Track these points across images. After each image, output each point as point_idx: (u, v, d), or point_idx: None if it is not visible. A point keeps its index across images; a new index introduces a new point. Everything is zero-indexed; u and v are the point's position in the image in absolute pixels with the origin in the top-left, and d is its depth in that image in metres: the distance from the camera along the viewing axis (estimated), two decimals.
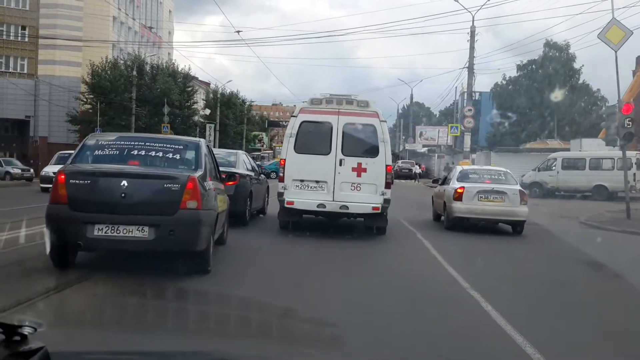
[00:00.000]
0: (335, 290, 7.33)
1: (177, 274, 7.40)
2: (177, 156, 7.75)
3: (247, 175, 14.10)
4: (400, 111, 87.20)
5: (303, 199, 11.76)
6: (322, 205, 11.73)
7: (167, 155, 7.71)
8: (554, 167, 30.94)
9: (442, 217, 15.27)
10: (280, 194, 11.82)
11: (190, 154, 7.87)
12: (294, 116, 12.07)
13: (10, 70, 48.93)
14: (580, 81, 60.02)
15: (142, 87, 48.08)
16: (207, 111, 59.87)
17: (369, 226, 12.24)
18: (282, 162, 11.94)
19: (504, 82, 62.46)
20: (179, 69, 55.09)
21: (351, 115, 11.88)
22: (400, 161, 62.89)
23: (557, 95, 54.31)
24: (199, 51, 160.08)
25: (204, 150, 8.10)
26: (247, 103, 73.94)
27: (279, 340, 4.91)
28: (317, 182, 11.83)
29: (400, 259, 10.28)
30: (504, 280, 8.78)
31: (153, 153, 7.73)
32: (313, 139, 12.01)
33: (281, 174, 11.89)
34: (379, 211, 11.73)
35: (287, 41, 60.74)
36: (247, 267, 8.76)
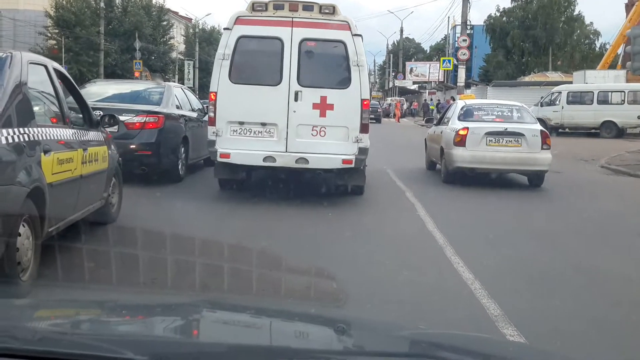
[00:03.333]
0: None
1: None
2: None
3: (179, 115, 10.73)
4: (390, 47, 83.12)
5: (243, 150, 8.36)
6: (270, 158, 8.33)
7: None
8: (558, 102, 28.52)
9: (438, 166, 11.95)
10: (211, 143, 8.42)
11: None
12: (227, 29, 8.48)
13: None
14: (576, 12, 57.97)
15: (111, 21, 44.63)
16: (182, 46, 56.50)
17: (341, 184, 8.92)
18: (212, 97, 8.45)
19: (498, 14, 60.08)
20: (154, 1, 51.28)
21: (311, 27, 8.36)
22: (389, 99, 59.86)
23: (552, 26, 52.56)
24: None
25: (11, 72, 4.65)
26: None
27: None
28: (262, 124, 8.40)
29: (381, 241, 6.95)
30: (533, 277, 5.65)
31: None
32: (256, 63, 8.58)
33: (211, 114, 8.44)
34: (352, 165, 8.37)
35: None
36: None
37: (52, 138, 5.10)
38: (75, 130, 5.77)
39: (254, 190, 8.98)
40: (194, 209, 8.22)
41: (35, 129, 4.76)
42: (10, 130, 4.36)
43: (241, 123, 8.39)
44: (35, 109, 4.98)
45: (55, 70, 5.68)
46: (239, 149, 8.35)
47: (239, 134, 8.39)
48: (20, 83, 4.71)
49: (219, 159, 8.43)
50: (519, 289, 5.20)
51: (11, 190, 4.27)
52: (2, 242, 4.09)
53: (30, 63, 5.07)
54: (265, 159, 8.33)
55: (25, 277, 4.36)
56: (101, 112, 6.82)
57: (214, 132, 8.39)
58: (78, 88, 6.36)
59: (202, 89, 44.13)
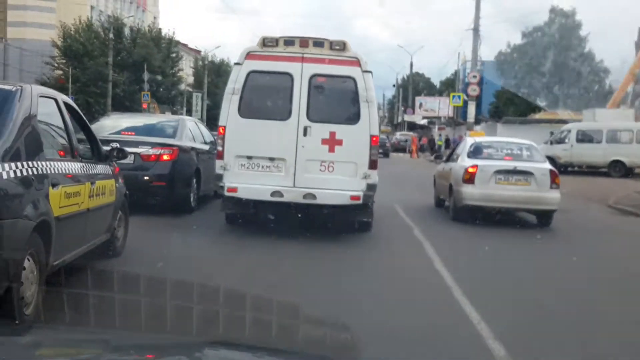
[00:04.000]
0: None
1: None
2: None
3: (192, 148, 10.83)
4: (399, 81, 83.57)
5: (251, 184, 8.29)
6: (278, 193, 8.26)
7: None
8: (567, 140, 28.38)
9: (447, 203, 11.85)
10: (219, 177, 8.36)
11: None
12: (238, 64, 8.49)
13: None
14: (586, 49, 57.79)
15: (120, 52, 44.88)
16: (191, 78, 56.84)
17: (349, 220, 8.83)
18: (220, 131, 8.42)
19: (509, 50, 60.23)
20: (163, 34, 51.65)
21: (321, 63, 8.36)
22: (398, 133, 59.84)
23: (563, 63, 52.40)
24: (189, 17, 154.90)
25: (20, 105, 4.61)
26: None
27: None
28: (271, 159, 8.36)
29: (387, 279, 6.83)
30: (540, 319, 5.52)
31: None
32: (265, 98, 8.57)
33: (220, 148, 8.40)
34: (360, 201, 8.28)
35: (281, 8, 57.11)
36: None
37: (60, 171, 5.07)
38: (83, 164, 5.74)
39: (261, 225, 8.90)
40: (202, 243, 8.14)
41: (43, 163, 4.72)
42: (18, 164, 4.33)
43: (249, 157, 8.34)
44: (44, 142, 4.95)
45: (65, 103, 5.67)
46: (247, 183, 8.29)
47: (247, 168, 8.34)
48: (29, 116, 4.70)
49: (226, 194, 8.37)
50: (526, 331, 5.10)
51: (18, 223, 4.21)
52: (6, 276, 4.00)
53: (40, 96, 5.06)
54: (272, 193, 8.26)
55: (28, 311, 4.27)
56: (118, 144, 6.82)
57: (221, 166, 8.34)
58: (87, 121, 6.35)
59: (211, 121, 44.34)
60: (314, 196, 8.27)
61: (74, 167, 5.46)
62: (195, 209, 10.65)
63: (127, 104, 43.04)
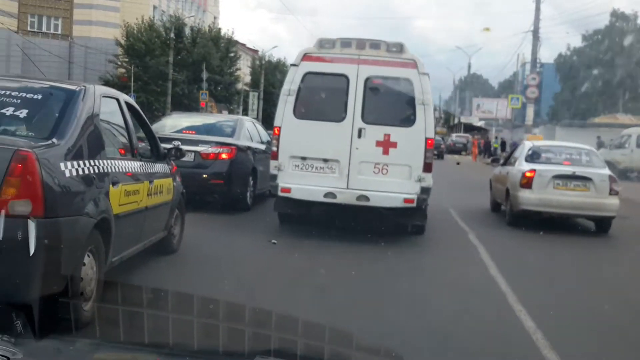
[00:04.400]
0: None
1: None
2: (22, 113, 4.46)
3: (249, 148, 11.04)
4: (456, 82, 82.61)
5: (304, 185, 8.35)
6: (331, 194, 8.28)
7: (3, 111, 4.44)
8: (627, 145, 27.50)
9: (503, 207, 11.65)
10: (273, 177, 8.44)
11: (49, 111, 4.62)
12: (294, 65, 8.55)
13: (44, 31, 46.90)
14: None
15: (180, 51, 45.69)
16: (247, 78, 57.37)
17: (402, 223, 8.78)
18: (275, 131, 8.50)
19: (569, 53, 58.99)
20: (222, 33, 52.34)
21: (377, 65, 8.35)
22: (454, 135, 59.02)
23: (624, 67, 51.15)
24: (249, 17, 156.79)
25: (84, 105, 4.72)
26: None
27: None
28: (325, 160, 8.39)
29: (440, 284, 6.76)
30: (597, 329, 5.40)
31: None
32: (321, 99, 8.63)
33: (274, 149, 8.48)
34: (414, 204, 8.23)
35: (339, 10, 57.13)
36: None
37: (121, 170, 5.18)
38: (142, 163, 5.85)
39: (314, 226, 8.95)
40: (257, 242, 8.24)
41: (104, 161, 4.82)
42: (80, 162, 4.43)
43: (303, 158, 8.40)
44: (106, 141, 5.05)
45: (127, 103, 5.79)
46: (300, 184, 8.34)
47: (301, 169, 8.40)
48: (92, 115, 4.79)
49: (280, 194, 8.45)
50: (582, 341, 5.00)
51: (79, 221, 4.30)
52: (66, 272, 4.05)
53: (103, 96, 5.16)
54: (325, 195, 8.29)
55: (87, 307, 4.30)
56: (179, 143, 6.99)
57: (276, 167, 8.43)
58: (147, 120, 6.48)
59: (266, 120, 44.69)
60: (367, 198, 8.25)
61: (133, 165, 5.57)
62: (251, 208, 10.82)
63: (185, 102, 43.74)
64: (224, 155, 10.15)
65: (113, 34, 46.66)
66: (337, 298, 5.76)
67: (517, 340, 4.91)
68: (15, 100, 4.51)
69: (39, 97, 4.66)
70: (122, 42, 44.73)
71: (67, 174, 4.23)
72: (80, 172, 4.40)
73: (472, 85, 77.31)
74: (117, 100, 5.58)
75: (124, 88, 41.76)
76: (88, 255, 4.44)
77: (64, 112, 4.55)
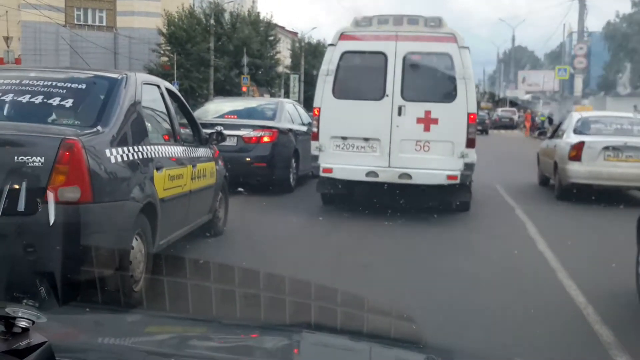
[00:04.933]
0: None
1: None
2: (68, 102, 4.57)
3: (291, 130, 11.08)
4: (500, 56, 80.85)
5: (346, 165, 8.31)
6: (373, 173, 8.23)
7: (48, 101, 4.54)
8: None
9: (552, 181, 11.39)
10: (315, 158, 8.44)
11: (93, 100, 4.73)
12: (332, 45, 8.47)
13: (89, 23, 47.88)
14: None
15: (221, 37, 45.98)
16: (288, 60, 57.39)
17: (447, 200, 8.67)
18: (315, 112, 8.47)
19: (618, 20, 56.84)
20: (262, 17, 52.44)
21: (416, 41, 8.22)
22: (500, 109, 57.91)
23: None
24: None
25: (127, 92, 4.82)
26: None
27: None
28: (365, 139, 8.33)
29: (488, 260, 6.62)
30: None
31: (25, 98, 4.53)
32: (360, 78, 8.53)
33: (315, 129, 8.46)
34: (457, 181, 8.11)
35: None
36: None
37: (164, 155, 5.28)
38: (185, 147, 5.95)
39: (357, 205, 8.92)
40: (301, 222, 8.31)
41: (148, 147, 4.94)
42: (125, 149, 4.54)
43: (344, 138, 8.36)
44: (149, 127, 5.16)
45: (167, 89, 5.91)
46: (342, 164, 8.31)
47: (342, 149, 8.37)
48: (135, 103, 4.91)
49: (322, 174, 8.45)
50: (636, 316, 4.88)
51: (126, 205, 4.44)
52: (116, 255, 4.15)
53: (145, 84, 5.28)
54: (367, 174, 8.24)
55: (137, 287, 4.45)
56: (222, 127, 7.07)
57: (317, 147, 8.42)
58: (188, 106, 6.58)
59: (307, 102, 44.68)
60: (409, 176, 8.17)
61: (176, 150, 5.67)
62: (295, 189, 10.88)
63: (227, 88, 44.11)
64: (265, 139, 10.22)
65: (155, 23, 47.32)
66: (381, 275, 5.74)
67: (567, 315, 4.81)
68: (61, 90, 4.63)
69: (83, 86, 4.80)
70: (164, 30, 45.37)
71: (113, 160, 4.35)
72: (125, 158, 4.52)
73: (517, 58, 75.54)
74: (159, 87, 5.73)
75: (167, 76, 42.33)
76: (136, 239, 4.55)
77: (107, 100, 4.68)
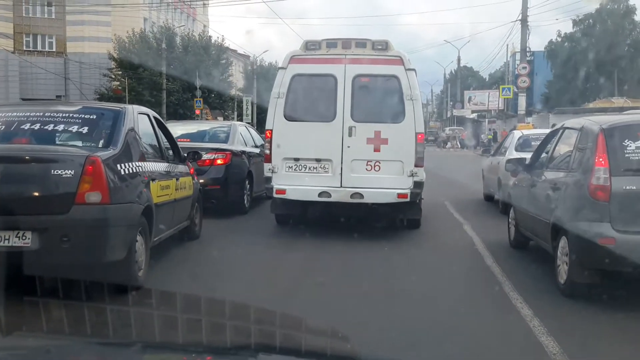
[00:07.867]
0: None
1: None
2: (84, 129, 5.99)
3: (244, 152, 11.19)
4: (447, 76, 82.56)
5: (299, 186, 8.50)
6: (325, 193, 8.43)
7: (69, 129, 5.99)
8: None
9: (496, 197, 11.80)
10: (268, 179, 8.60)
11: (103, 127, 6.10)
12: (282, 68, 8.71)
13: (39, 49, 47.18)
14: None
15: (172, 61, 45.77)
16: (241, 83, 57.39)
17: (397, 218, 8.94)
18: (267, 134, 8.66)
19: (559, 39, 58.60)
20: (213, 41, 52.47)
21: (364, 64, 8.50)
22: (447, 128, 59.30)
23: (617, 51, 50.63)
24: (238, 23, 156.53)
25: (127, 120, 6.15)
26: None
27: None
28: (317, 160, 8.55)
29: (438, 277, 6.88)
30: (593, 313, 5.46)
31: (51, 127, 5.95)
32: (310, 100, 8.76)
33: (267, 151, 8.64)
34: (407, 199, 8.39)
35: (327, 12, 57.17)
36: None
37: (156, 169, 6.57)
38: (170, 164, 7.22)
39: (310, 225, 9.09)
40: (256, 243, 8.44)
41: (144, 162, 6.20)
42: (130, 164, 5.80)
43: (296, 159, 8.55)
44: (144, 146, 6.46)
45: (154, 117, 7.23)
46: (295, 184, 8.49)
47: (294, 170, 8.55)
48: (133, 128, 6.21)
49: (275, 195, 8.61)
50: (579, 327, 5.08)
51: (133, 206, 5.70)
52: (126, 246, 5.46)
53: (139, 113, 6.64)
54: (320, 194, 8.43)
55: (140, 273, 5.78)
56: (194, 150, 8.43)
57: (270, 169, 8.58)
58: (170, 130, 7.78)
59: (261, 124, 44.52)
60: (361, 195, 8.40)
61: (164, 166, 6.96)
62: (249, 210, 11.00)
63: (180, 111, 43.85)
64: (219, 161, 10.36)
65: (106, 47, 46.90)
66: (336, 293, 5.92)
67: (514, 327, 5.00)
68: (77, 120, 6.01)
69: (94, 116, 6.13)
70: (115, 55, 44.97)
71: (122, 172, 5.61)
72: (130, 171, 5.79)
73: (463, 78, 77.15)
74: (148, 115, 7.06)
75: (118, 100, 41.87)
76: (139, 234, 5.77)
77: (114, 127, 5.98)
